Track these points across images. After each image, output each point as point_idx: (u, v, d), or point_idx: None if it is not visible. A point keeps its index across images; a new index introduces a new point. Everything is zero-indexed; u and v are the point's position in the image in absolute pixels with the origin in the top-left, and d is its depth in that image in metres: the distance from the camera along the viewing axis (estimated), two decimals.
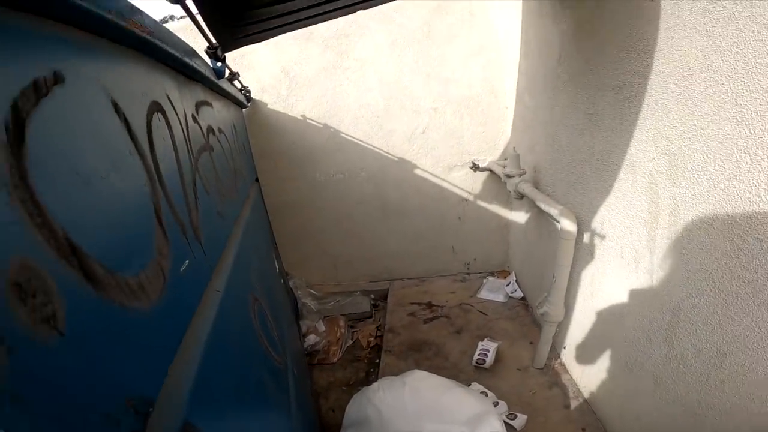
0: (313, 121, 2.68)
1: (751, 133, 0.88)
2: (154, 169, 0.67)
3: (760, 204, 0.86)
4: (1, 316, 0.28)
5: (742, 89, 0.89)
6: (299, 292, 2.85)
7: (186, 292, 0.66)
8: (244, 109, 2.53)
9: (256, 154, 2.65)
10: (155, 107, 0.78)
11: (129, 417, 0.40)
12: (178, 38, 0.99)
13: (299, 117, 2.68)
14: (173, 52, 0.92)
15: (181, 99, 1.02)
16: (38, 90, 0.45)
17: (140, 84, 0.75)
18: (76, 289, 0.38)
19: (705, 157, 1.00)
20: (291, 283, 2.86)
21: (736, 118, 0.91)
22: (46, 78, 0.47)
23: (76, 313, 0.36)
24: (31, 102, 0.43)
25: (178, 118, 0.94)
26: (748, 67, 0.87)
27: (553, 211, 1.68)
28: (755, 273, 0.88)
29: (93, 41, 0.59)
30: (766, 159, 0.85)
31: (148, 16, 0.77)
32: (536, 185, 2.08)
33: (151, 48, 0.79)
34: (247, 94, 2.46)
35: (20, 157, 0.37)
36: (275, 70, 2.58)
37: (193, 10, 1.11)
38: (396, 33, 2.50)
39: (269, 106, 2.67)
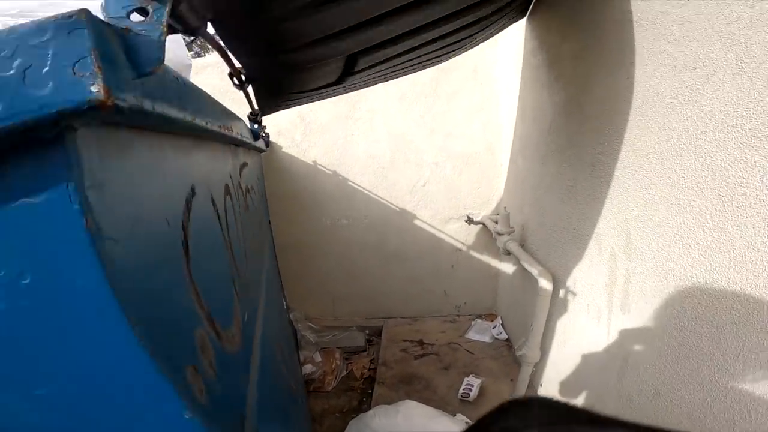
0: (323, 167, 2.93)
1: (684, 223, 1.11)
2: (230, 244, 0.90)
3: (687, 283, 1.10)
4: (200, 367, 0.51)
5: (682, 185, 1.10)
6: (299, 325, 3.04)
7: (248, 337, 0.89)
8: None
9: (268, 195, 2.88)
10: (227, 190, 1.01)
11: (240, 428, 0.62)
12: (232, 112, 1.13)
13: (311, 162, 2.92)
14: (237, 135, 1.12)
15: (233, 169, 1.21)
16: (189, 207, 0.67)
17: (220, 173, 0.97)
18: (215, 343, 0.61)
19: (651, 240, 1.25)
20: (291, 316, 3.05)
21: (675, 210, 1.13)
22: (190, 195, 0.69)
23: (217, 359, 0.59)
24: (187, 219, 0.65)
25: (234, 190, 1.14)
26: (688, 163, 1.08)
27: (534, 271, 1.92)
28: (681, 332, 1.12)
29: (202, 148, 0.78)
30: (692, 246, 1.08)
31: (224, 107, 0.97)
32: (523, 243, 2.33)
33: (226, 137, 0.97)
34: (267, 139, 2.68)
35: (189, 263, 0.60)
36: (292, 115, 2.81)
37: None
38: (405, 87, 2.76)
39: (284, 150, 2.92)
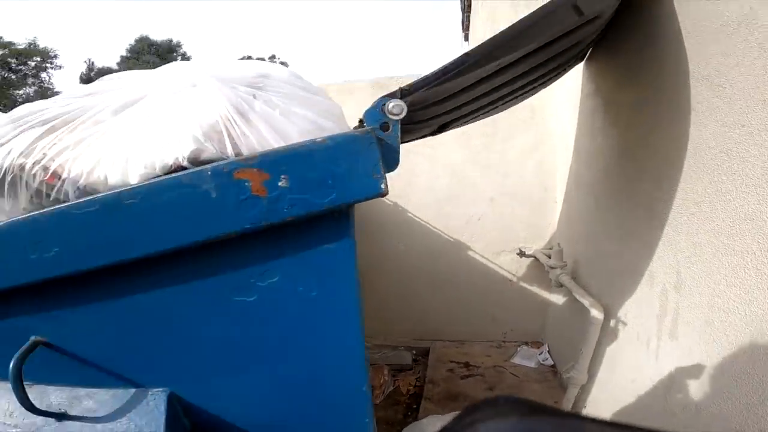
0: (386, 199, 3.21)
1: (728, 264, 1.28)
2: None
3: (730, 314, 1.27)
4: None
5: (728, 231, 1.24)
6: None
7: None
8: None
9: None
10: None
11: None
12: None
13: None
14: None
15: None
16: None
17: None
18: None
19: (699, 278, 1.41)
20: None
21: (721, 252, 1.29)
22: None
23: None
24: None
25: None
26: (733, 213, 1.22)
27: (586, 302, 2.08)
28: (722, 356, 1.28)
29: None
30: (735, 284, 1.25)
31: None
32: (574, 275, 2.49)
33: None
34: None
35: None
36: None
37: None
38: (465, 127, 2.84)
39: None
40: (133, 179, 0.79)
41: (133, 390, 0.86)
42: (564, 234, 2.87)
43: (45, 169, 0.80)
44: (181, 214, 0.68)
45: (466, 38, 10.26)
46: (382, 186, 0.68)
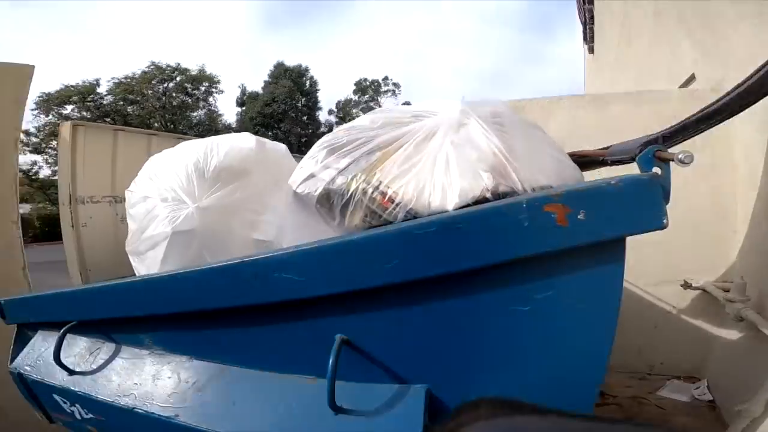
0: None
1: None
2: None
3: None
4: None
5: None
6: None
7: None
8: None
9: None
10: None
11: None
12: None
13: None
14: None
15: None
16: None
17: None
18: None
19: None
20: None
21: None
22: None
23: None
24: None
25: None
26: None
27: None
28: None
29: None
30: None
31: None
32: (760, 310, 2.30)
33: None
34: None
35: None
36: None
37: None
38: None
39: None
40: (450, 206, 0.99)
41: (396, 385, 0.98)
42: (748, 266, 2.64)
43: (382, 194, 1.04)
44: (499, 237, 0.85)
45: (591, 50, 9.82)
46: (664, 221, 0.80)
